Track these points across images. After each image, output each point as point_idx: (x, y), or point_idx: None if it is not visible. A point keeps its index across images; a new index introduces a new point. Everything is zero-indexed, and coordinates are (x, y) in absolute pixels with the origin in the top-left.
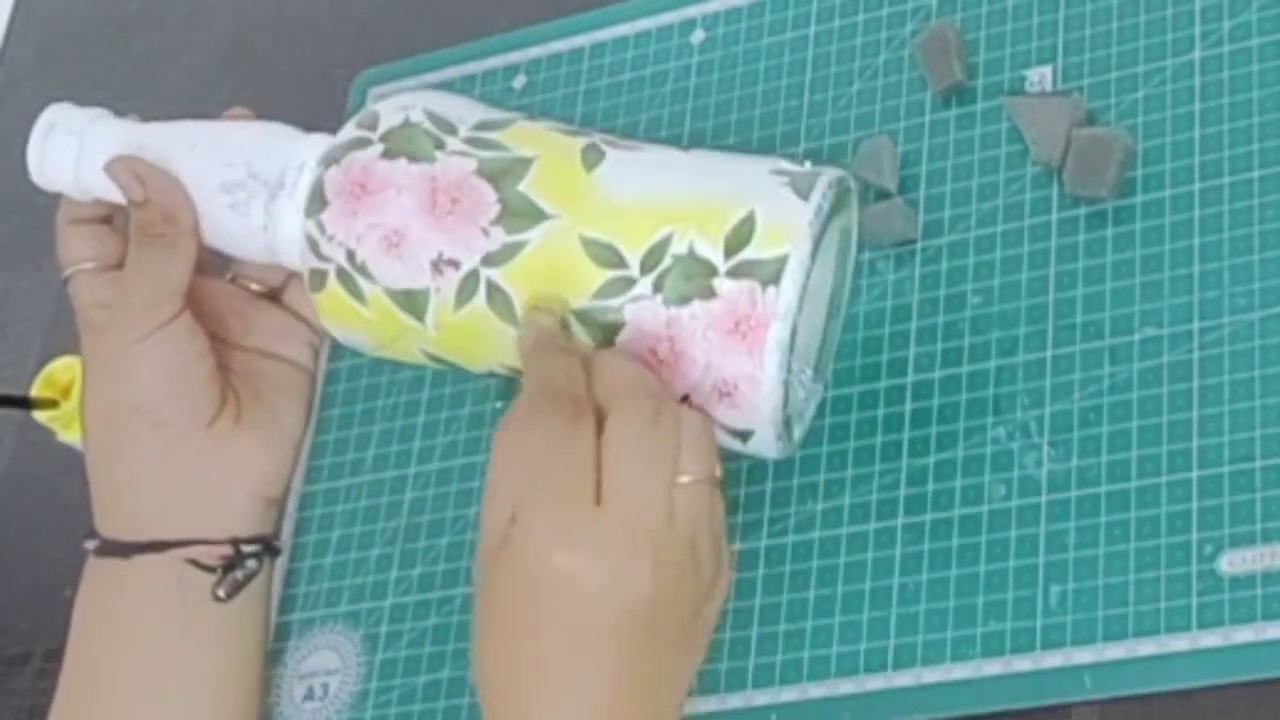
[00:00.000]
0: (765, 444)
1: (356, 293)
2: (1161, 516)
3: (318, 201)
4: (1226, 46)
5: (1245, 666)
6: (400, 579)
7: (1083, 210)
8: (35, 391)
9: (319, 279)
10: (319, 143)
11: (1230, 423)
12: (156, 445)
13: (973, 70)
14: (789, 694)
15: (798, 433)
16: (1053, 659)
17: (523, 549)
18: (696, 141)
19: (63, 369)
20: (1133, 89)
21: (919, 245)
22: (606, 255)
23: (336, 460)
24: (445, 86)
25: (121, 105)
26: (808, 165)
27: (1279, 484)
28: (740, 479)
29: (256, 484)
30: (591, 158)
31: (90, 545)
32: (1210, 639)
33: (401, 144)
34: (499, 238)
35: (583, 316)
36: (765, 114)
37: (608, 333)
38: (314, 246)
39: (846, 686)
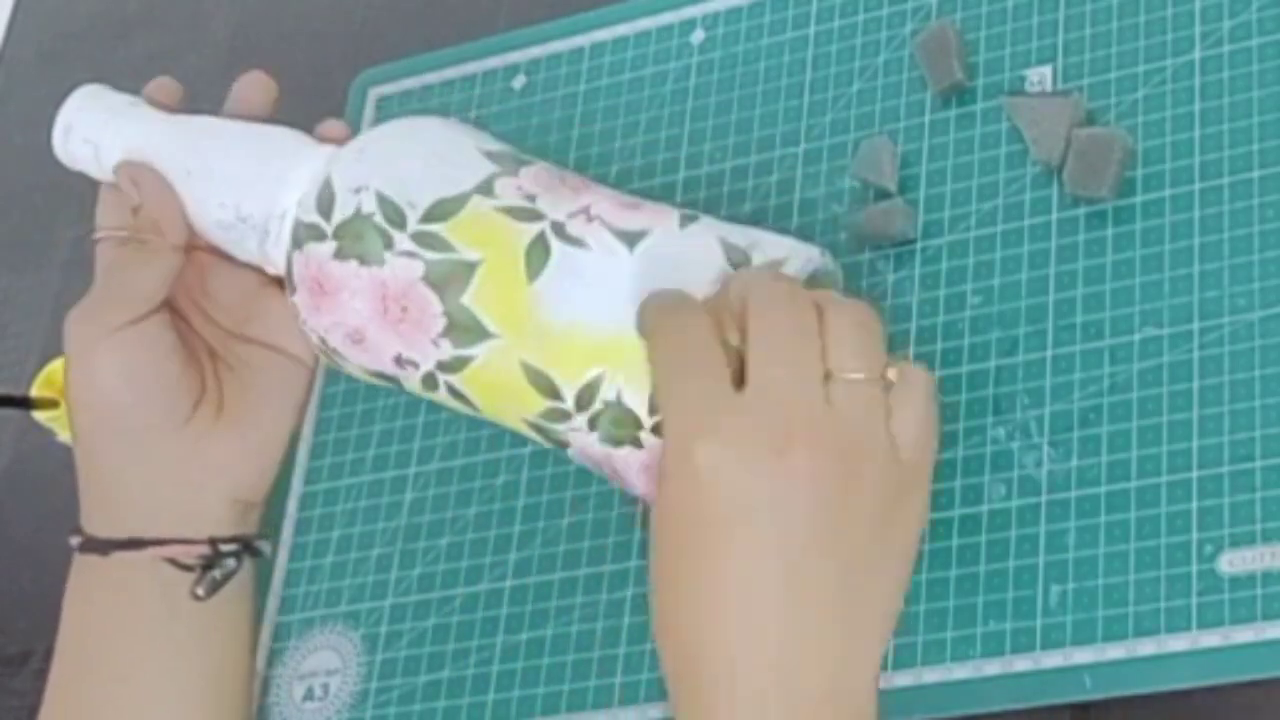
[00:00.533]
0: None
1: (335, 365)
2: (1161, 516)
3: (290, 280)
4: (1226, 46)
5: (1245, 666)
6: (400, 579)
7: (1082, 210)
8: (35, 391)
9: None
10: (299, 185)
11: (1230, 423)
12: (131, 445)
13: (973, 70)
14: None
15: None
16: (1053, 659)
17: (666, 457)
18: (697, 142)
19: (63, 369)
20: (1133, 89)
21: (919, 245)
22: (545, 384)
23: (336, 460)
24: (445, 86)
25: None
26: (757, 260)
27: (1279, 484)
28: None
29: (234, 488)
30: (536, 261)
31: (74, 541)
32: (1210, 639)
33: (352, 243)
34: (448, 349)
35: (534, 426)
36: (765, 114)
37: (557, 444)
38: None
39: None
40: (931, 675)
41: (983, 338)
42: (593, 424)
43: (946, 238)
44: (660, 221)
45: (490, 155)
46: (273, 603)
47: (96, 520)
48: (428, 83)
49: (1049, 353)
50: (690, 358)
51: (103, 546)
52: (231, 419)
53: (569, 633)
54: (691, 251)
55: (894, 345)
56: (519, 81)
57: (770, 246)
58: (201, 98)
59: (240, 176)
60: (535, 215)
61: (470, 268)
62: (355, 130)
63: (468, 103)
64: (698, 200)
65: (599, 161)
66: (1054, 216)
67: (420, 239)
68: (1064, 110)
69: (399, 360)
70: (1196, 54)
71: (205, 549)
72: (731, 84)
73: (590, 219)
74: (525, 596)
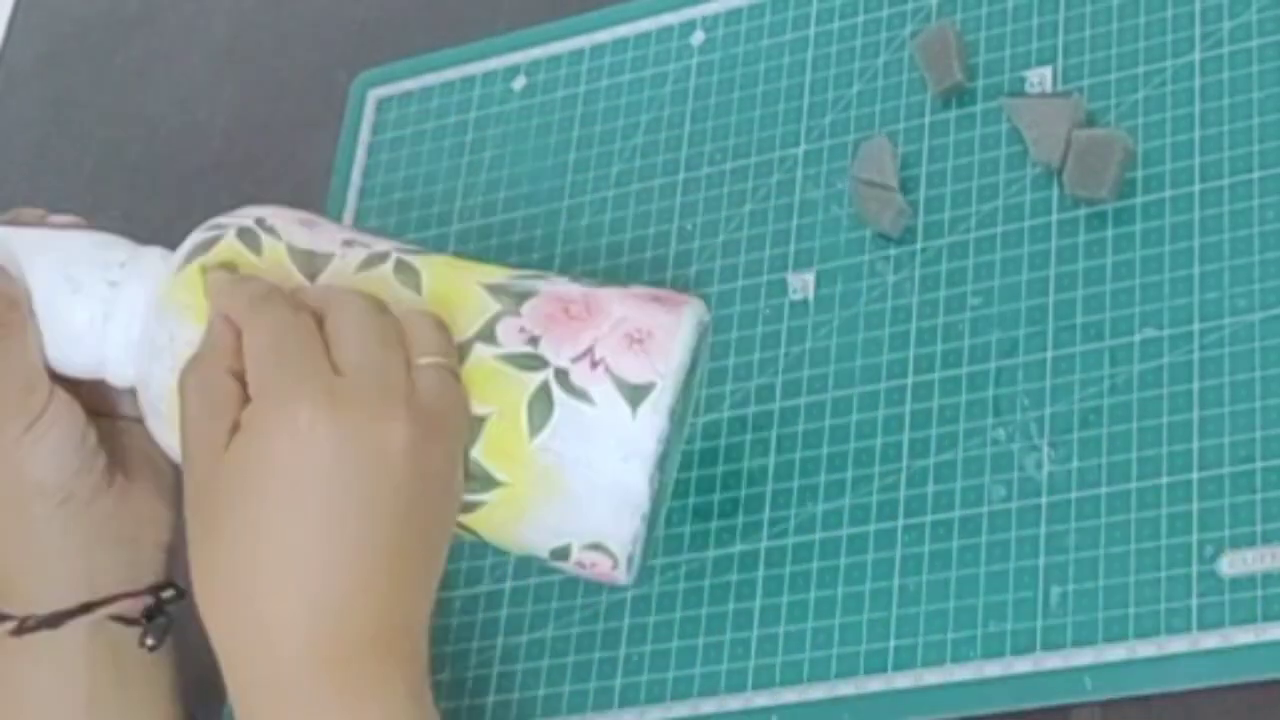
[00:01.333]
0: (645, 436)
1: (255, 247)
2: (1162, 518)
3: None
4: (1227, 48)
5: (1245, 668)
6: None
7: (1083, 211)
8: None
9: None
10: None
11: (1230, 424)
12: (68, 519)
13: (973, 71)
14: (789, 695)
15: (637, 562)
16: (1053, 660)
17: (262, 420)
18: (697, 143)
19: None
20: (1133, 90)
21: (919, 246)
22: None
23: None
24: (445, 87)
25: (121, 105)
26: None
27: (1279, 485)
28: (740, 481)
29: (160, 533)
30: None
31: (8, 627)
32: (1210, 640)
33: None
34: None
35: (497, 291)
36: (765, 115)
37: (518, 299)
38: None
39: (847, 688)
40: (932, 677)
41: (983, 339)
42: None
43: (946, 239)
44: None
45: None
46: None
47: (32, 599)
48: (427, 84)
49: (1049, 354)
50: (296, 338)
51: (54, 620)
52: (138, 471)
53: (569, 635)
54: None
55: (894, 346)
56: (519, 83)
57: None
58: (202, 98)
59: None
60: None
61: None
62: (354, 132)
63: (467, 104)
64: (697, 202)
65: (599, 162)
66: (1054, 218)
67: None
68: (1064, 111)
69: (350, 242)
70: (1196, 55)
71: (149, 599)
72: (731, 85)
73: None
74: (525, 598)
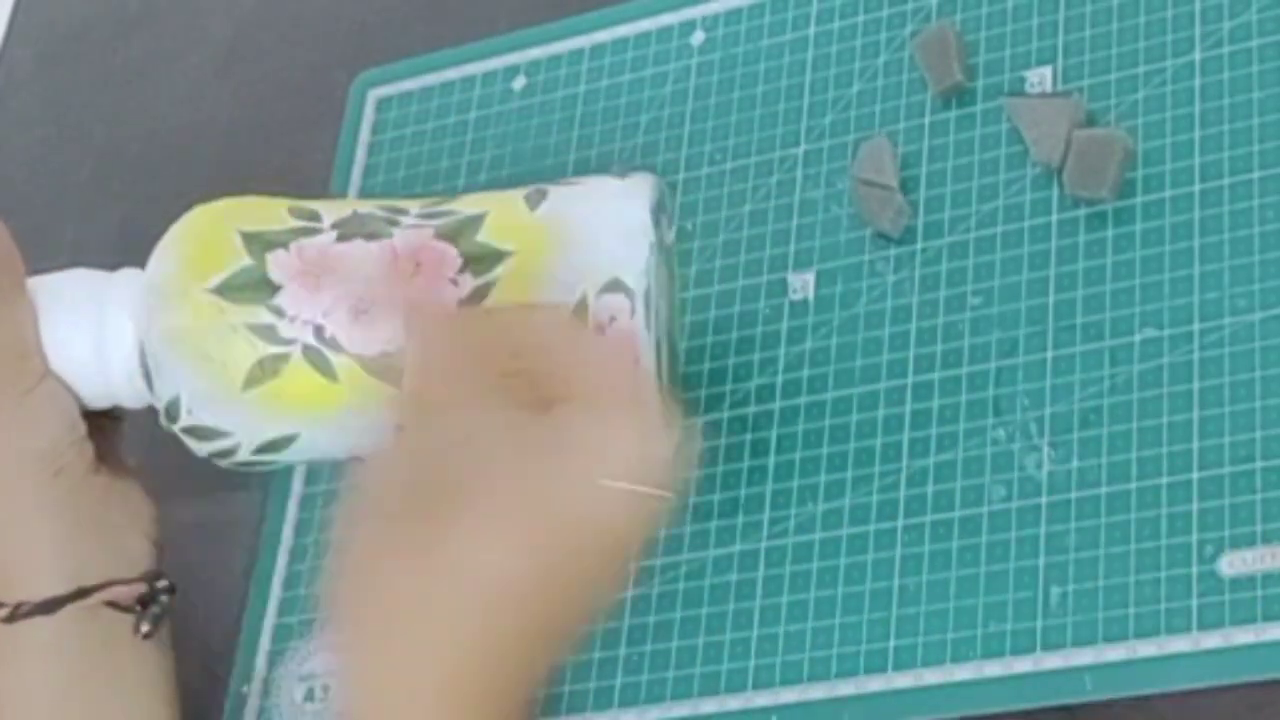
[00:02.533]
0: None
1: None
2: (1162, 518)
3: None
4: (1227, 48)
5: (1246, 668)
6: None
7: (1083, 211)
8: None
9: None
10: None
11: (1230, 424)
12: (61, 495)
13: (973, 71)
14: (789, 695)
15: (653, 315)
16: (1053, 660)
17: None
18: (697, 143)
19: None
20: (1133, 90)
21: (919, 246)
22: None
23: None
24: (445, 87)
25: (121, 105)
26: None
27: (1279, 485)
28: (740, 480)
29: (147, 525)
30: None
31: (0, 614)
32: (1211, 640)
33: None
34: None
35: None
36: (765, 115)
37: None
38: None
39: (847, 688)
40: (932, 676)
41: (983, 339)
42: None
43: (946, 239)
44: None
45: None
46: (272, 604)
47: (24, 586)
48: (427, 84)
49: (1049, 354)
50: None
51: (49, 606)
52: (127, 466)
53: None
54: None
55: (894, 346)
56: (519, 83)
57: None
58: (201, 98)
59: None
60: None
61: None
62: (354, 132)
63: (467, 104)
64: (697, 202)
65: (599, 163)
66: (1054, 218)
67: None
68: (1064, 111)
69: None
70: (1197, 55)
71: (143, 587)
72: (731, 85)
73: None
74: None
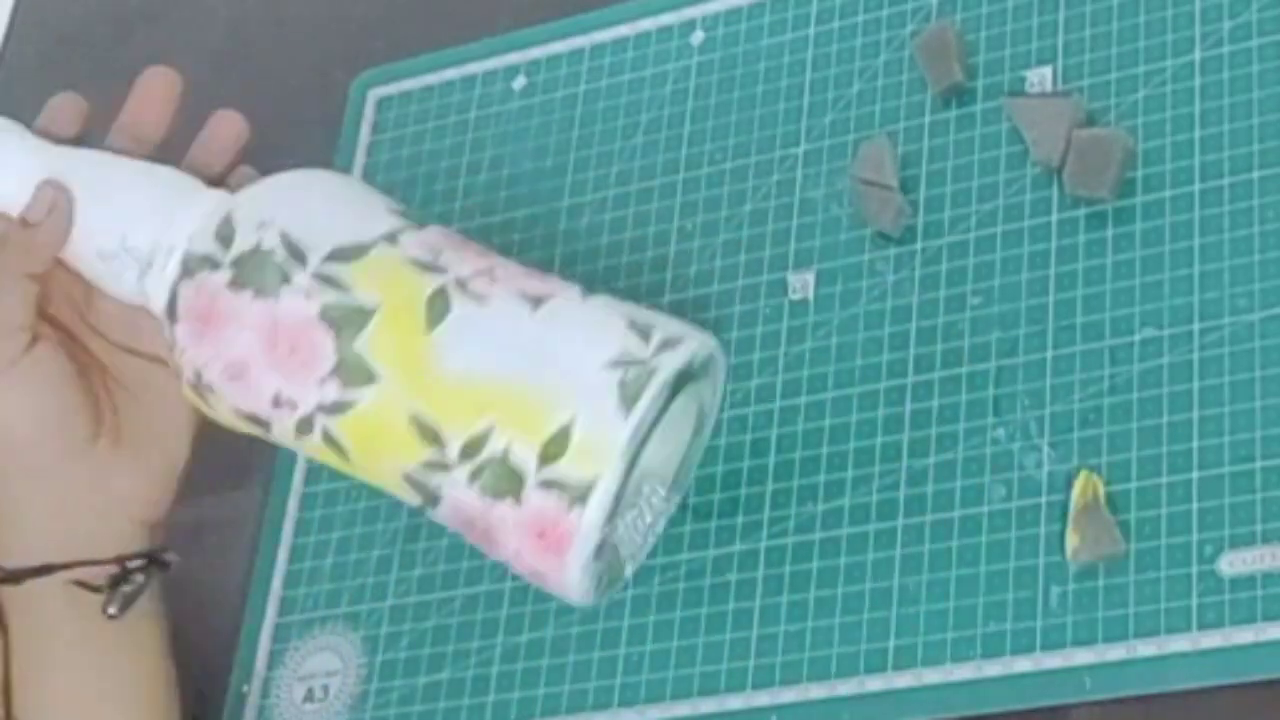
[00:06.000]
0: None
1: (201, 404)
2: (1162, 517)
3: (172, 311)
4: (1227, 47)
5: (1245, 667)
6: (400, 580)
7: (1083, 211)
8: None
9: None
10: (190, 222)
11: (1230, 423)
12: (35, 478)
13: (973, 71)
14: (789, 695)
15: (629, 569)
16: (1053, 660)
17: None
18: (697, 143)
19: None
20: (1133, 90)
21: (919, 246)
22: (430, 434)
23: None
24: (445, 87)
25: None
26: (655, 344)
27: (1279, 485)
28: (740, 480)
29: (138, 510)
30: (437, 311)
31: None
32: (1210, 640)
33: (249, 274)
34: (334, 391)
35: (408, 479)
36: (765, 115)
37: (428, 499)
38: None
39: (846, 687)
40: (932, 676)
41: (983, 339)
42: (474, 476)
43: (946, 238)
44: (563, 290)
45: (396, 213)
46: (272, 604)
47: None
48: (428, 83)
49: (1049, 354)
50: None
51: (13, 575)
52: (132, 445)
53: (569, 634)
54: (594, 316)
55: (894, 346)
56: (519, 82)
57: (668, 325)
58: (201, 97)
59: (132, 208)
60: (439, 270)
61: (367, 313)
62: (354, 132)
63: (468, 103)
64: (697, 202)
65: (599, 162)
66: (1054, 217)
67: (321, 278)
68: (1064, 111)
69: (277, 400)
70: (1196, 55)
71: (113, 568)
72: (731, 85)
73: (493, 280)
74: (525, 598)
